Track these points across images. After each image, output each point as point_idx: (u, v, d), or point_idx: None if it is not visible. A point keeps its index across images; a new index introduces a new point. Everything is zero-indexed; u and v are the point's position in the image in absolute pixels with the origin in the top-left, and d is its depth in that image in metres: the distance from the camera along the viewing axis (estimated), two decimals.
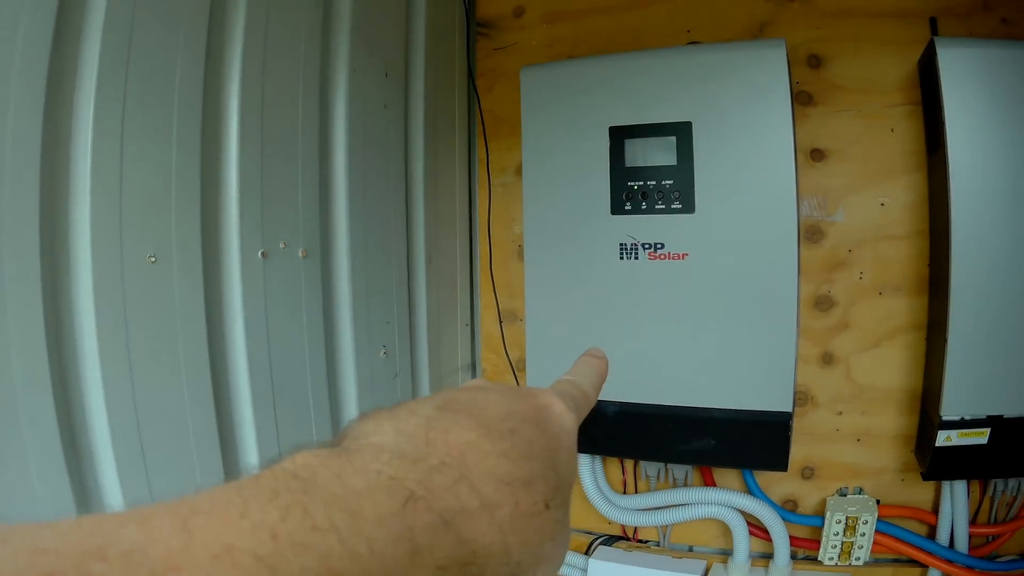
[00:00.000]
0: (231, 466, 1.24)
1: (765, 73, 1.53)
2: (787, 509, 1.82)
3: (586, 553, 1.95)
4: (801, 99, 1.76)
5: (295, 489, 0.32)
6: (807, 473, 1.83)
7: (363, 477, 0.34)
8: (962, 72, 1.48)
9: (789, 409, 1.57)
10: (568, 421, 0.49)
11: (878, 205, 1.75)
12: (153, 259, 1.10)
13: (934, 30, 1.70)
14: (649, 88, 1.60)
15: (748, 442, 1.62)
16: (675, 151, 1.59)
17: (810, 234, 1.78)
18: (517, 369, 2.03)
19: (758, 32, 1.81)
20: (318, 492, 0.32)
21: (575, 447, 0.49)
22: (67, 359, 1.00)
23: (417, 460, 0.37)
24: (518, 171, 1.96)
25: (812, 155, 1.77)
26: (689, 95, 1.58)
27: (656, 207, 1.61)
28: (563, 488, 0.44)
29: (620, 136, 1.63)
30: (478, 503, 0.37)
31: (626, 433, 1.70)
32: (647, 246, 1.63)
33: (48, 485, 0.95)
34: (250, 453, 1.28)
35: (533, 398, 0.49)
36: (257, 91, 1.29)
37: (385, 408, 0.43)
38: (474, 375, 2.09)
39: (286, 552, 0.29)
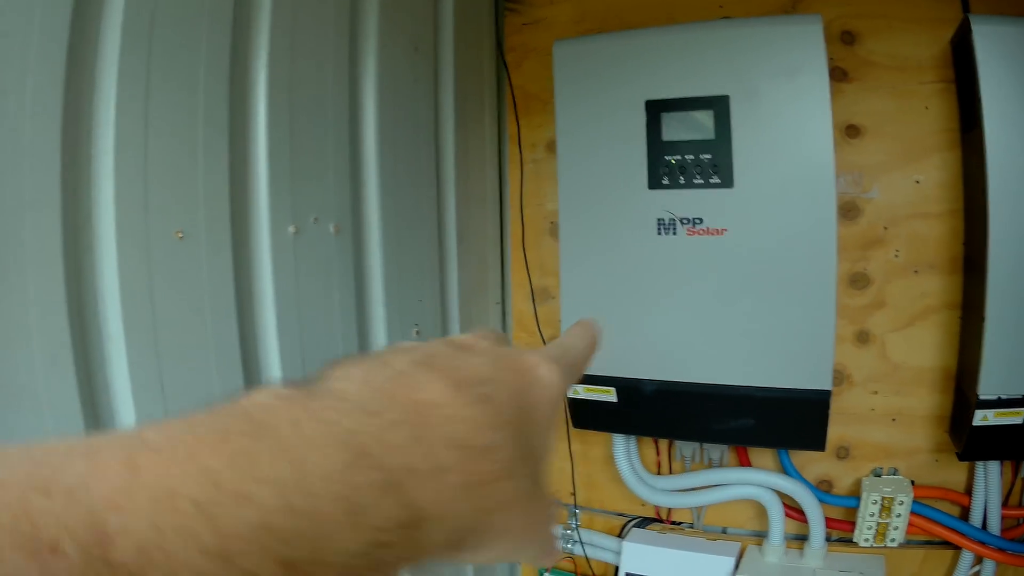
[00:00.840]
0: None
1: (801, 48, 1.44)
2: (822, 490, 1.72)
3: (619, 536, 1.87)
4: (836, 75, 1.65)
5: (246, 433, 0.31)
6: (842, 453, 1.74)
7: (319, 426, 0.33)
8: (998, 50, 1.39)
9: (828, 387, 1.49)
10: (554, 391, 0.47)
11: (913, 183, 1.65)
12: (181, 235, 1.01)
13: (965, 7, 1.60)
14: (685, 62, 1.50)
15: (786, 421, 1.53)
16: (713, 125, 1.49)
17: (846, 211, 1.68)
18: None
19: (790, 8, 1.71)
20: (269, 439, 0.31)
21: (553, 420, 0.47)
22: (91, 340, 0.92)
23: (375, 414, 0.35)
24: (549, 148, 1.87)
25: (847, 132, 1.67)
26: (725, 69, 1.48)
27: (694, 181, 1.51)
28: (531, 459, 0.43)
29: (656, 110, 1.52)
30: (428, 466, 0.35)
31: (663, 412, 1.61)
32: (685, 221, 1.53)
33: None
34: None
35: (522, 367, 0.46)
36: (285, 63, 1.19)
37: (364, 355, 0.41)
38: None
39: (227, 502, 0.28)
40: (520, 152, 1.89)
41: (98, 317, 0.92)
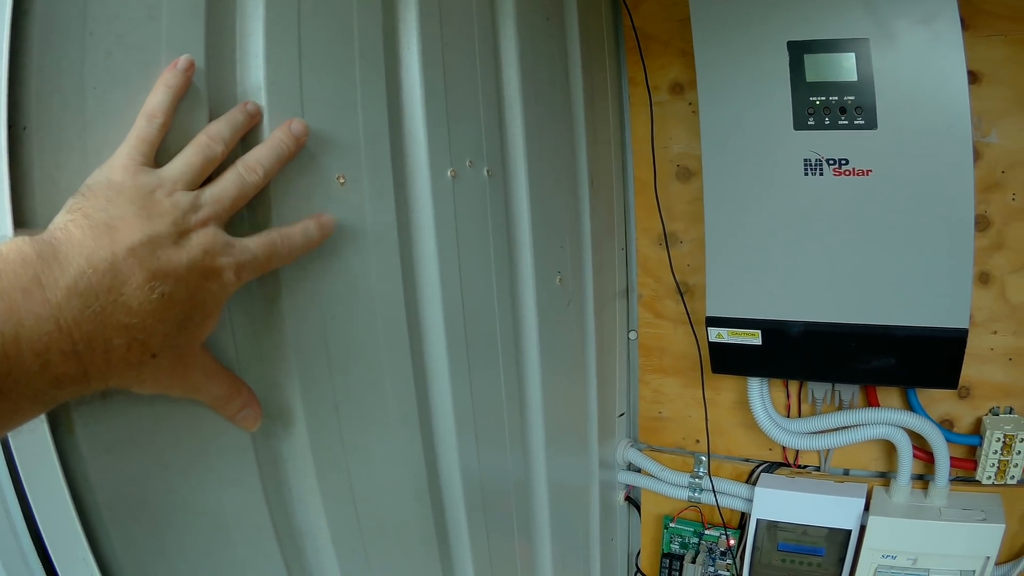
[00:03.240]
0: (424, 401, 0.96)
1: None
2: (945, 428, 1.51)
3: (748, 481, 1.66)
4: None
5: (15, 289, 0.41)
6: (963, 392, 1.53)
7: (40, 298, 0.42)
8: None
9: (966, 325, 1.31)
10: (220, 304, 0.55)
11: None
12: (343, 180, 0.79)
13: None
14: (824, 2, 1.29)
15: (924, 359, 1.36)
16: (855, 67, 1.29)
17: None
18: (684, 291, 1.70)
19: None
20: (7, 300, 0.40)
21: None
22: None
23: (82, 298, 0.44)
24: (672, 90, 1.63)
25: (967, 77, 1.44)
26: (864, 11, 1.27)
27: (839, 123, 1.31)
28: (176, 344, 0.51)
29: (799, 51, 1.31)
30: (103, 346, 0.45)
31: (806, 354, 1.43)
32: (832, 162, 1.32)
33: None
34: (442, 386, 0.98)
35: (212, 277, 0.53)
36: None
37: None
38: (628, 301, 1.77)
39: None
40: (650, 94, 1.62)
41: None
